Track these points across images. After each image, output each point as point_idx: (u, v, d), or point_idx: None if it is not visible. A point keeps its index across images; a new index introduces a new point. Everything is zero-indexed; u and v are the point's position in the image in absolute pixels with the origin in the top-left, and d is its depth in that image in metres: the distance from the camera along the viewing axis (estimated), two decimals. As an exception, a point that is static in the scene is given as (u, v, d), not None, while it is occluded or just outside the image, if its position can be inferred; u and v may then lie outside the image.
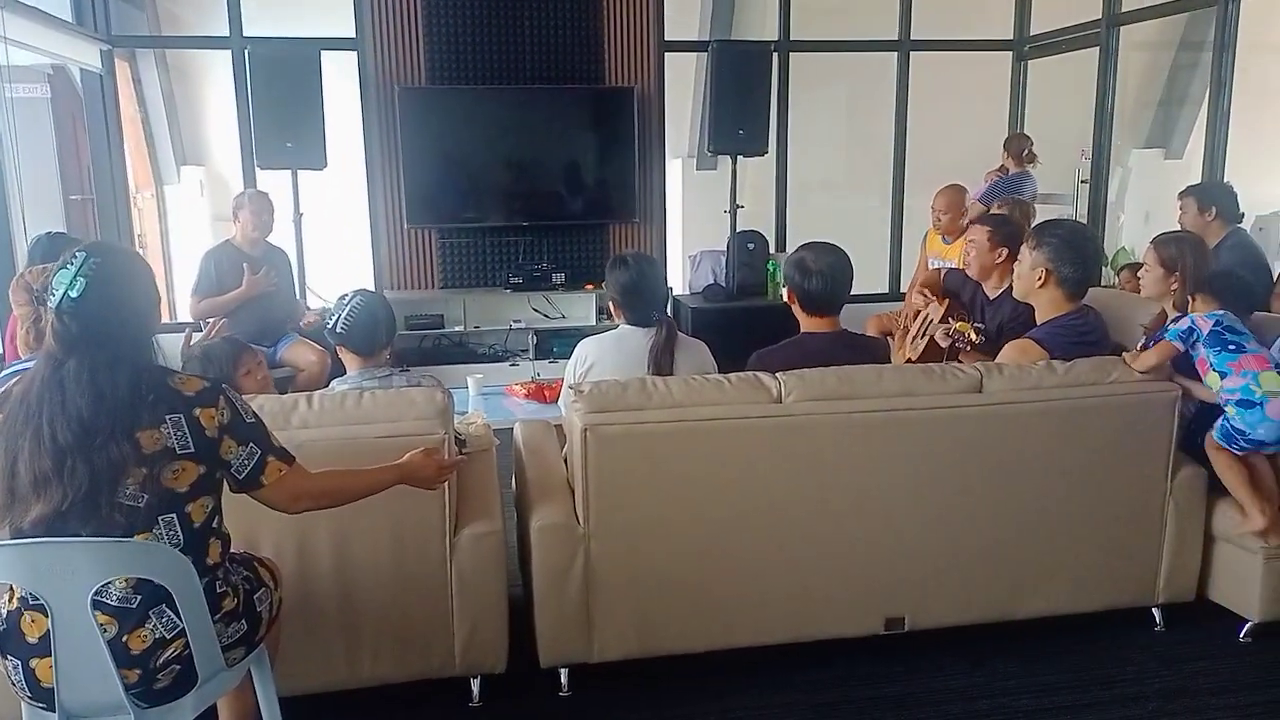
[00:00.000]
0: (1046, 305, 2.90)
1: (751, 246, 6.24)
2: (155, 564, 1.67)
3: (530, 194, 6.07)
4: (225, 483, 1.81)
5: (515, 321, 5.95)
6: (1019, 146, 5.90)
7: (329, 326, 2.75)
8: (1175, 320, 2.82)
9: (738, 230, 6.09)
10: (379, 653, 2.40)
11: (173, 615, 1.68)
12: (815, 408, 2.49)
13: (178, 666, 1.70)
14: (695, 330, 5.49)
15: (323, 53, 5.50)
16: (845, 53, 6.84)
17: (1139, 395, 2.66)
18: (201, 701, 1.77)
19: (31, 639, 1.67)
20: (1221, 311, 2.74)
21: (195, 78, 7.69)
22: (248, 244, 4.69)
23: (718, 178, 6.53)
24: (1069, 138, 6.62)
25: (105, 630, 1.64)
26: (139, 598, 1.67)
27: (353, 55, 5.79)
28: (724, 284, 6.13)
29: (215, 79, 7.15)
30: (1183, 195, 4.14)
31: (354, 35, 5.76)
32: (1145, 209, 7.71)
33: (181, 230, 7.61)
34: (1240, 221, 4.08)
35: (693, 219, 7.56)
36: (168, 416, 1.68)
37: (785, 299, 2.94)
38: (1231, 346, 2.66)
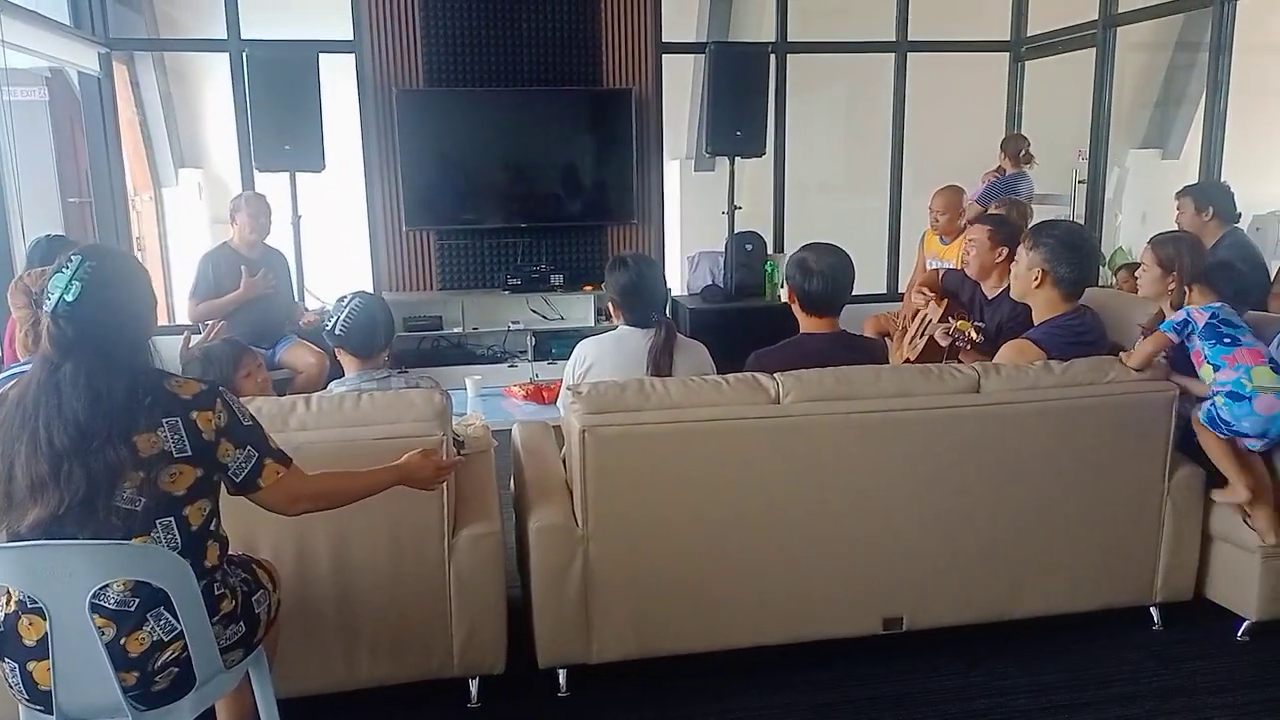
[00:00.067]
0: (1043, 305, 2.91)
1: (749, 247, 6.24)
2: (153, 566, 1.67)
3: (528, 196, 6.07)
4: (223, 485, 1.81)
5: (514, 323, 5.95)
6: (1016, 147, 5.90)
7: (327, 328, 2.75)
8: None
9: (736, 231, 6.09)
10: (377, 654, 2.41)
11: (170, 618, 1.68)
12: (813, 408, 2.49)
13: (176, 669, 1.70)
14: (693, 331, 5.49)
15: (320, 55, 5.51)
16: (843, 54, 6.85)
17: (1136, 395, 2.67)
18: (200, 703, 1.77)
19: (29, 642, 1.67)
20: (1218, 304, 2.74)
21: (193, 80, 7.69)
22: (245, 246, 4.70)
23: (716, 179, 6.54)
24: (1066, 138, 6.62)
25: (103, 633, 1.64)
26: (137, 600, 1.67)
27: (350, 58, 5.79)
28: (722, 285, 6.14)
29: (213, 81, 7.15)
30: (1180, 195, 4.15)
31: (352, 38, 5.76)
32: (1142, 209, 7.72)
33: (180, 233, 7.61)
34: (1237, 221, 4.09)
35: (691, 220, 7.56)
36: (164, 420, 1.68)
37: (786, 298, 2.94)
38: (1227, 340, 2.67)
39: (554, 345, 5.89)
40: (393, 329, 2.86)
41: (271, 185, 5.43)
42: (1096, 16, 5.99)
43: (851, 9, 7.17)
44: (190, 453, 1.70)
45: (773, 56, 6.12)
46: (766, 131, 5.94)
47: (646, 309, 3.02)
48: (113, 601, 1.66)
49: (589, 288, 6.00)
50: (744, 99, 5.78)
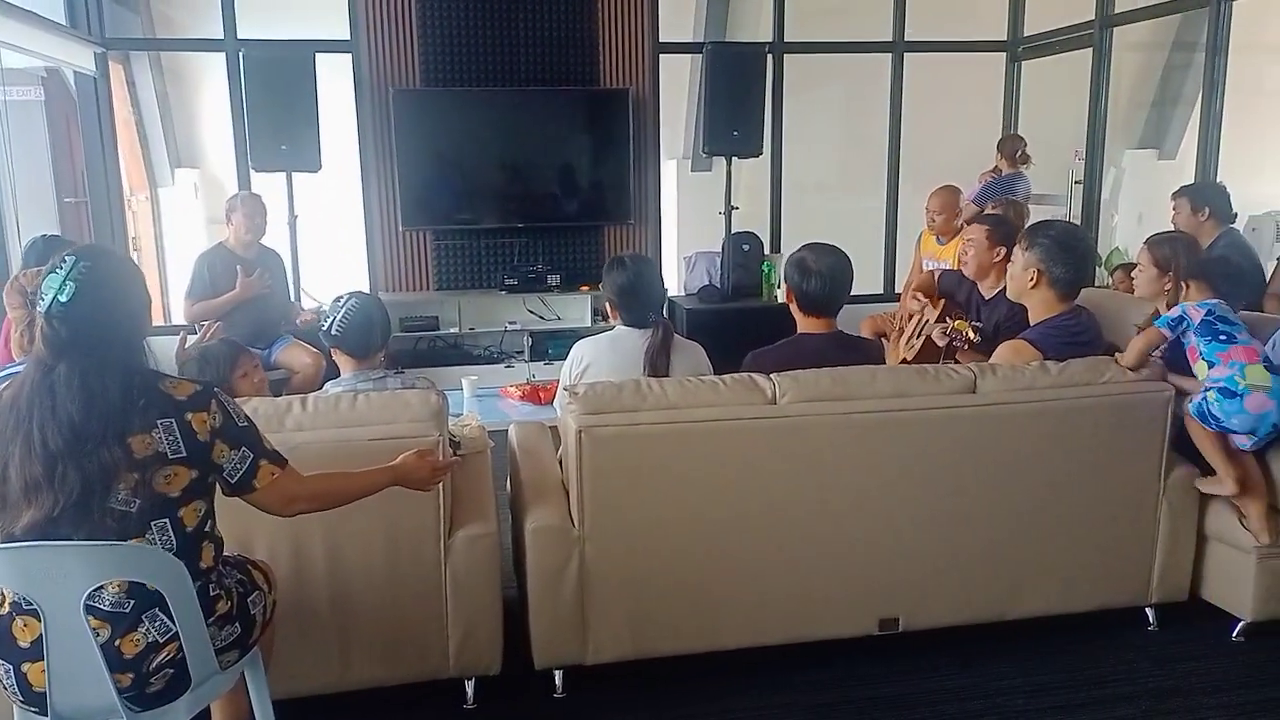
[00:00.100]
0: (1039, 306, 2.91)
1: (746, 248, 6.25)
2: (148, 567, 1.67)
3: (525, 196, 6.07)
4: (218, 486, 1.81)
5: (510, 323, 5.95)
6: (1013, 147, 5.91)
7: (324, 329, 2.75)
8: None
9: (732, 231, 6.09)
10: (373, 655, 2.40)
11: (165, 619, 1.68)
12: (809, 409, 2.49)
13: (171, 670, 1.70)
14: (690, 331, 5.49)
15: (317, 55, 5.50)
16: (839, 54, 6.85)
17: (1132, 395, 2.67)
18: (195, 704, 1.77)
19: (23, 643, 1.66)
20: (1214, 301, 2.74)
21: (189, 80, 7.68)
22: (241, 246, 4.69)
23: (712, 179, 6.54)
24: (1063, 138, 6.63)
25: (98, 634, 1.64)
26: (131, 602, 1.67)
27: (347, 57, 5.78)
28: (719, 285, 6.13)
29: (209, 81, 7.14)
30: (1176, 195, 4.15)
31: (348, 38, 5.76)
32: (1139, 209, 7.73)
33: (176, 233, 7.60)
34: (1233, 221, 4.10)
35: (687, 220, 7.56)
36: (159, 421, 1.68)
37: (784, 298, 2.94)
38: (1223, 337, 2.67)
39: (551, 345, 5.89)
40: (389, 329, 2.85)
41: (268, 185, 5.43)
42: (1093, 17, 6.00)
43: (848, 9, 7.17)
44: (185, 454, 1.70)
45: (770, 56, 6.12)
46: (763, 132, 5.94)
47: (644, 309, 3.02)
48: (107, 603, 1.65)
49: (586, 288, 6.00)
50: (741, 99, 5.78)
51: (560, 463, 2.70)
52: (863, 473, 2.55)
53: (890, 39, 6.46)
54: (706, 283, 6.18)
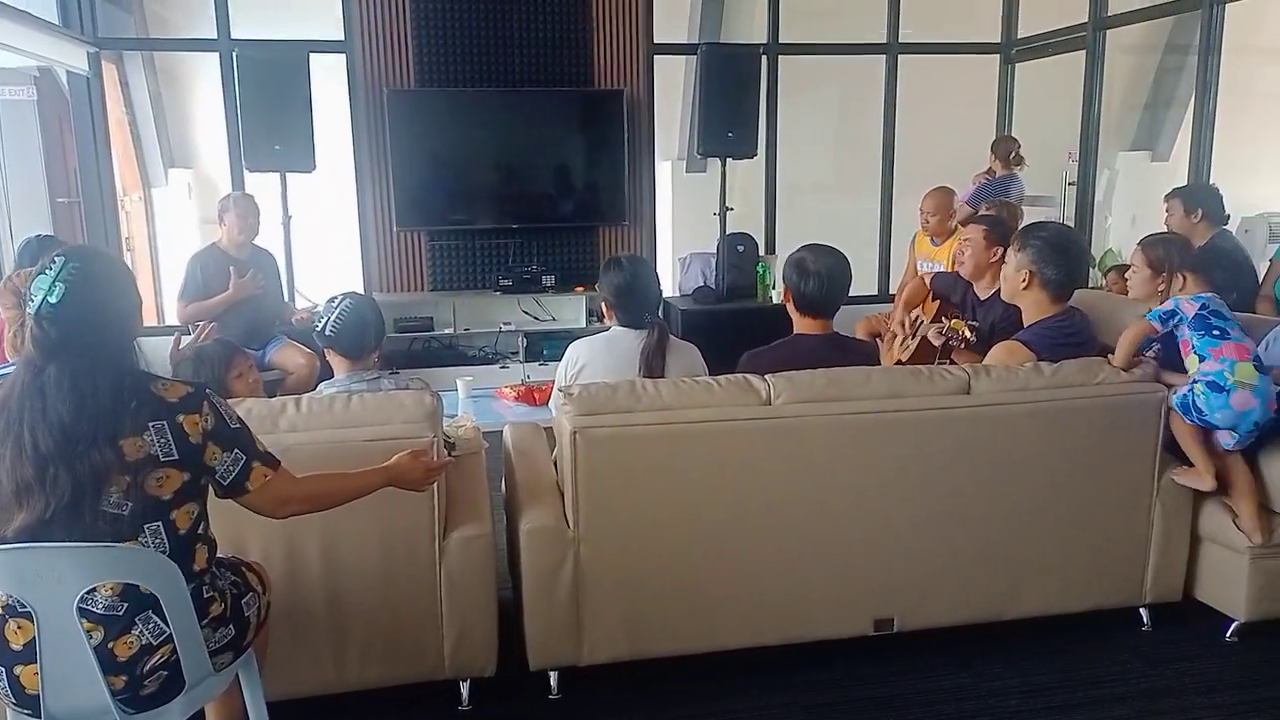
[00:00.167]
0: (1032, 307, 2.92)
1: (741, 249, 6.25)
2: (141, 569, 1.66)
3: (520, 196, 6.07)
4: (210, 488, 1.80)
5: (505, 324, 5.95)
6: (1006, 149, 5.92)
7: (317, 329, 2.74)
8: None
9: (727, 232, 6.10)
10: (368, 656, 2.40)
11: (159, 621, 1.67)
12: (804, 409, 2.49)
13: (165, 672, 1.69)
14: (685, 332, 5.49)
15: (311, 55, 5.48)
16: (834, 55, 6.86)
17: (1126, 396, 2.68)
18: (189, 706, 1.76)
19: (16, 646, 1.65)
20: (1208, 295, 2.75)
21: (183, 80, 7.66)
22: (234, 247, 4.68)
23: (707, 180, 6.55)
24: (1056, 140, 6.65)
25: (91, 637, 1.63)
26: (125, 605, 1.66)
27: (341, 58, 5.78)
28: (714, 286, 6.14)
29: (203, 81, 7.12)
30: (1169, 197, 4.17)
31: (342, 38, 5.75)
32: (1132, 211, 7.76)
33: (169, 233, 7.57)
34: (1226, 223, 4.11)
35: (682, 221, 7.57)
36: (150, 424, 1.67)
37: (782, 297, 2.95)
38: (1216, 332, 2.68)
39: (545, 346, 5.89)
40: (383, 330, 2.85)
41: (262, 186, 5.41)
42: (1087, 19, 6.02)
43: (843, 10, 7.19)
44: (177, 456, 1.69)
45: (764, 58, 6.12)
46: (758, 133, 5.94)
47: (640, 310, 3.02)
48: (101, 605, 1.65)
49: (580, 289, 6.00)
50: (735, 100, 5.78)
51: (555, 464, 2.69)
52: (857, 473, 2.55)
53: (884, 41, 6.47)
54: (701, 284, 6.19)
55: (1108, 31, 6.00)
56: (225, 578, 1.86)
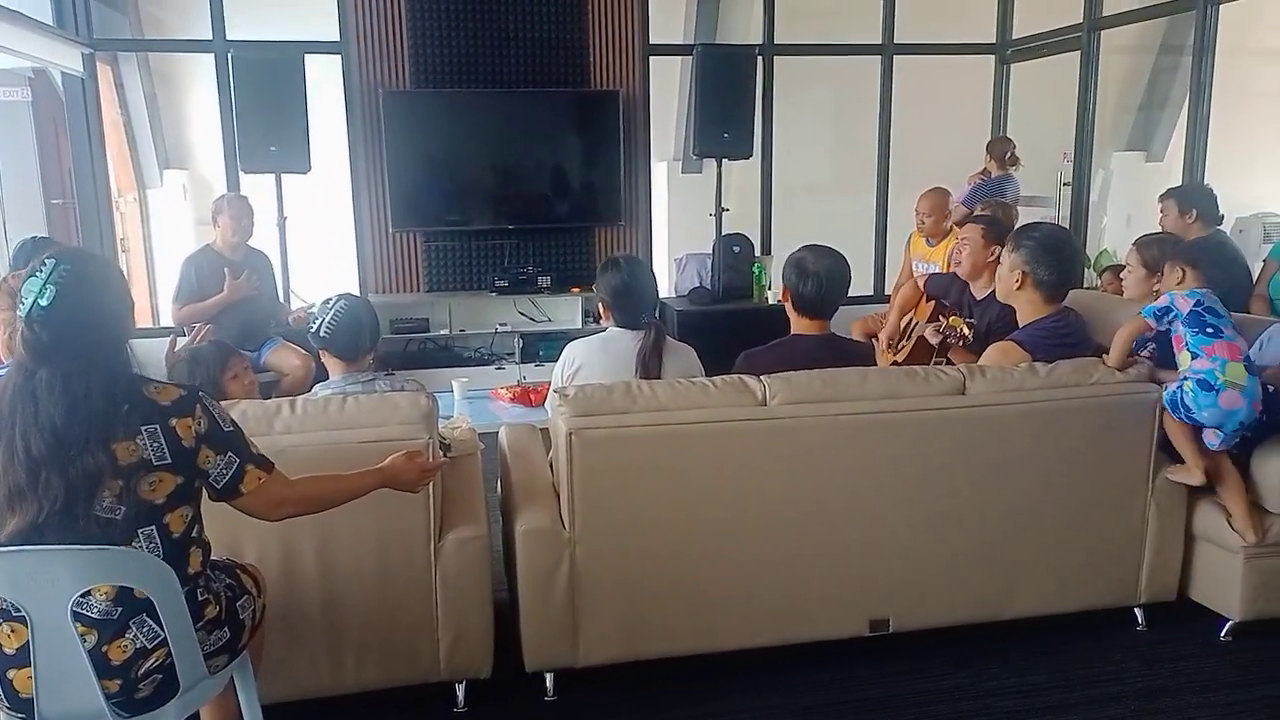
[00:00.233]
0: (1026, 307, 2.92)
1: (737, 249, 6.25)
2: (135, 572, 1.65)
3: (516, 197, 6.06)
4: (204, 492, 1.80)
5: (501, 325, 5.94)
6: (1002, 149, 5.94)
7: (312, 330, 2.74)
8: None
9: (723, 233, 6.10)
10: (363, 659, 2.39)
11: (154, 625, 1.67)
12: (800, 410, 2.50)
13: (159, 675, 1.69)
14: (681, 333, 5.50)
15: (306, 56, 5.47)
16: (829, 56, 6.87)
17: (1121, 397, 2.68)
18: (184, 709, 1.76)
19: (9, 650, 1.65)
20: (1203, 291, 2.75)
21: (178, 81, 7.64)
22: (228, 248, 4.67)
23: (703, 181, 6.53)
24: (1051, 141, 6.66)
25: (85, 640, 1.62)
26: (119, 608, 1.65)
27: (336, 59, 5.77)
28: (709, 287, 6.14)
29: (198, 82, 7.11)
30: (1163, 198, 4.17)
31: (338, 39, 5.74)
32: (1127, 211, 7.77)
33: (165, 234, 7.56)
34: (1220, 224, 4.12)
35: (678, 222, 7.56)
36: (143, 428, 1.66)
37: (780, 297, 2.95)
38: (1209, 330, 2.68)
39: (541, 347, 5.88)
40: (378, 331, 2.85)
41: (257, 187, 5.40)
42: (1081, 20, 6.03)
43: (838, 11, 7.19)
44: (170, 460, 1.68)
45: (760, 58, 6.13)
46: (754, 133, 5.94)
47: (637, 310, 3.02)
48: (95, 609, 1.64)
49: (576, 289, 5.99)
50: (731, 101, 5.78)
51: (551, 465, 2.69)
52: (853, 474, 2.55)
53: (880, 41, 6.48)
54: (697, 284, 6.19)
55: (1102, 32, 6.01)
56: (220, 580, 1.86)
